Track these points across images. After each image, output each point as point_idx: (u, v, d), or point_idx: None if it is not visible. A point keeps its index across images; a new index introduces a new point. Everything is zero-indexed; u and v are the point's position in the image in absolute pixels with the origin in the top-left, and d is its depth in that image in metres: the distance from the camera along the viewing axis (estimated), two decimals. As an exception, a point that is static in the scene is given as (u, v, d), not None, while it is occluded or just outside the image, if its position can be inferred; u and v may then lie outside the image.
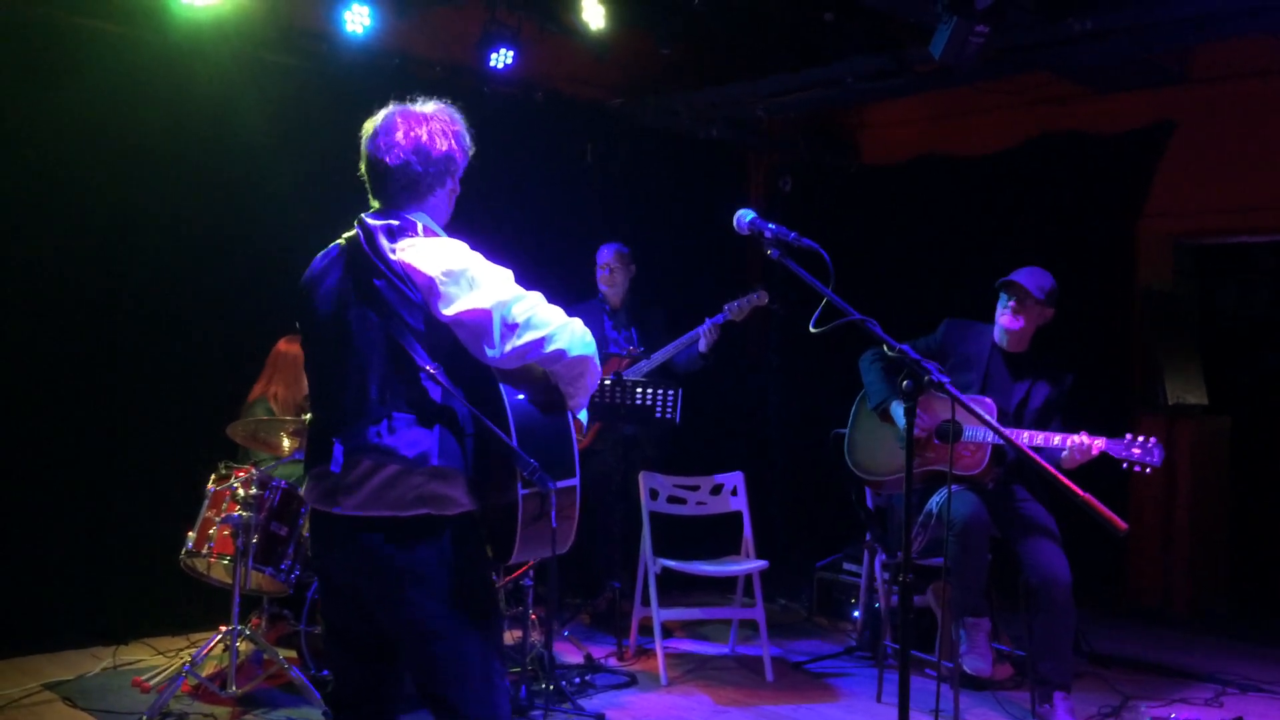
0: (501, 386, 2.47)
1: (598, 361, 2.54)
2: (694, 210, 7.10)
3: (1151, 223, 6.52)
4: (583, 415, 2.67)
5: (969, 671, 4.51)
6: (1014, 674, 4.97)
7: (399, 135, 2.56)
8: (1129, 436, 4.07)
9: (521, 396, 2.49)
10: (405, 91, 6.54)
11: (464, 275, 2.41)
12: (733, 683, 4.97)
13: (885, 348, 2.62)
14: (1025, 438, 4.25)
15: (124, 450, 5.16)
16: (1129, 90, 6.44)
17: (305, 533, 4.41)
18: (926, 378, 2.61)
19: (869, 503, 5.17)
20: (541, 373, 2.54)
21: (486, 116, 6.08)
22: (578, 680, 4.73)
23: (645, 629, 5.21)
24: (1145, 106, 6.47)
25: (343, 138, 5.56)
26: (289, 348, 4.96)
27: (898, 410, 4.64)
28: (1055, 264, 6.53)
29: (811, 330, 2.65)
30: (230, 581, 4.24)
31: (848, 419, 4.97)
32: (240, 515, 4.19)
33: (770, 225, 2.74)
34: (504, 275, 2.46)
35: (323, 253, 2.64)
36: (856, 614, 5.69)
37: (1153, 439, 4.05)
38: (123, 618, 5.08)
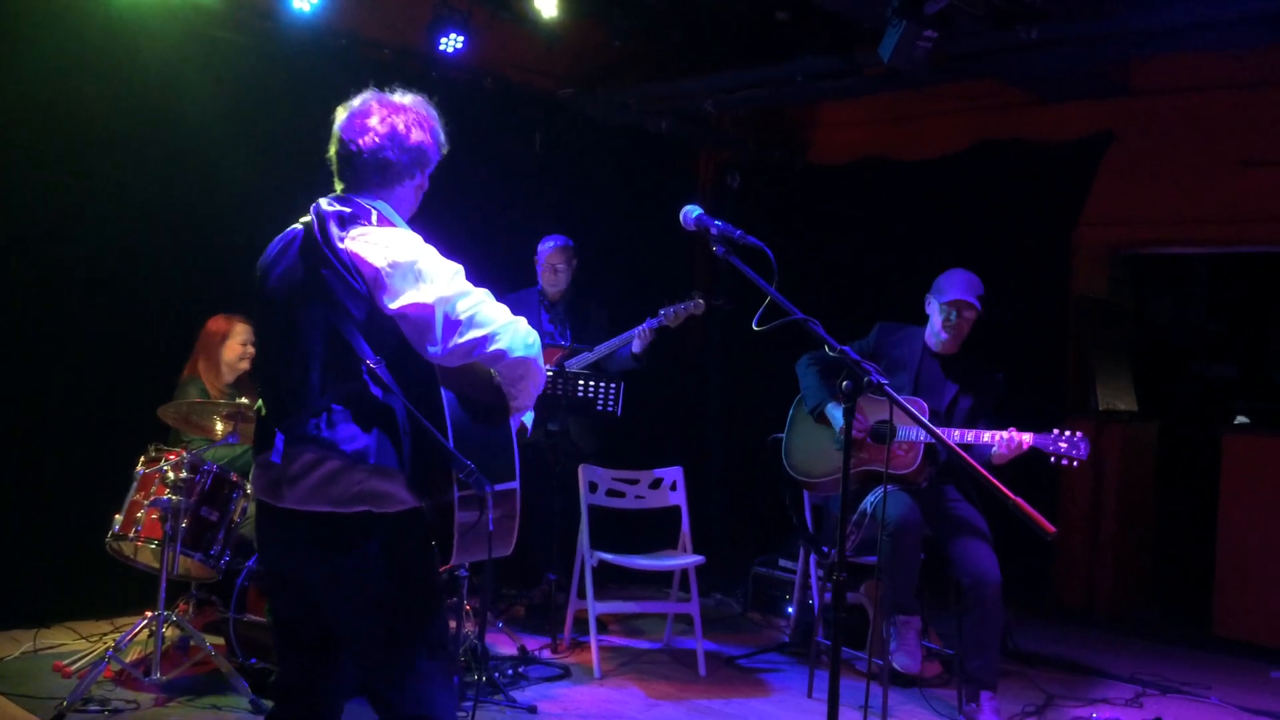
0: (442, 386, 2.42)
1: (541, 363, 2.50)
2: (641, 204, 7.09)
3: (1089, 231, 6.65)
4: (527, 418, 2.63)
5: (898, 669, 4.57)
6: (942, 672, 5.05)
7: (374, 120, 2.52)
8: (1056, 431, 4.18)
9: (464, 396, 2.45)
10: (352, 72, 6.46)
11: (411, 268, 2.36)
12: (666, 677, 4.99)
13: (826, 348, 2.64)
14: (956, 436, 4.33)
15: (51, 429, 5.03)
16: (1072, 100, 6.55)
17: (236, 518, 4.34)
18: (866, 379, 2.63)
19: (806, 503, 5.22)
20: (486, 373, 2.50)
21: (434, 102, 6.04)
22: (511, 672, 4.71)
23: (580, 622, 5.21)
24: (1087, 116, 6.59)
25: (289, 116, 5.56)
26: (214, 326, 4.89)
27: (834, 412, 4.70)
28: (993, 269, 6.65)
29: (755, 328, 2.65)
30: (157, 566, 4.16)
31: (785, 423, 5.02)
32: (169, 499, 4.11)
33: (716, 222, 2.74)
34: (452, 271, 2.41)
35: (277, 238, 2.59)
36: (790, 610, 5.74)
37: (1079, 433, 4.16)
38: (45, 600, 4.96)
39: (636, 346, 5.35)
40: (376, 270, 2.36)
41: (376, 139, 2.50)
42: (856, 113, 7.49)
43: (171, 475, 4.16)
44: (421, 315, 2.35)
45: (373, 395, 2.38)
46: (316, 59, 5.56)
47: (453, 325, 2.35)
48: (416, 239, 2.46)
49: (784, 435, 5.00)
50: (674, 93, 6.80)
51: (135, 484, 4.29)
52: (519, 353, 2.41)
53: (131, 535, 4.20)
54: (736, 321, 7.30)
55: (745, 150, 7.67)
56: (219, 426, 4.43)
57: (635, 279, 6.83)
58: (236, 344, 4.90)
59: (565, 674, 4.87)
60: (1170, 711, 4.73)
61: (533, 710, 4.34)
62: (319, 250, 2.41)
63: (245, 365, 4.97)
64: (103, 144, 5.06)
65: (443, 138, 2.62)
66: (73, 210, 5.03)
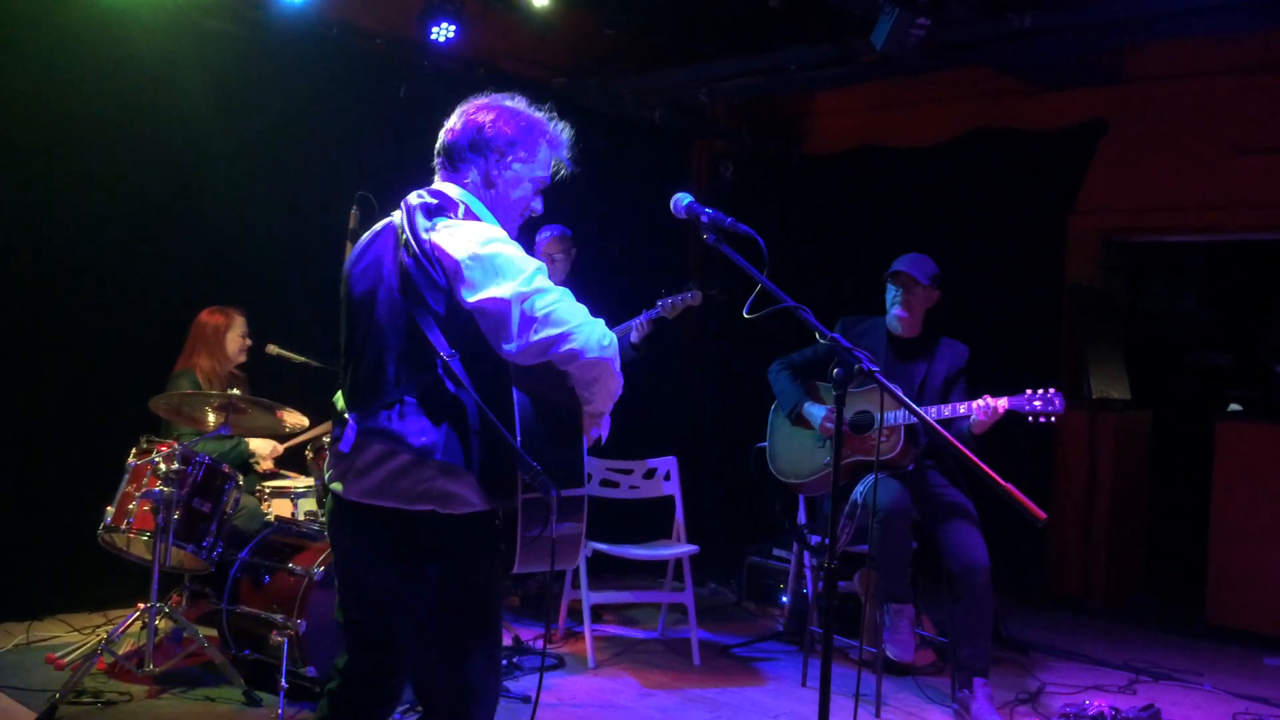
0: (518, 385, 2.36)
1: (617, 366, 2.42)
2: (635, 194, 7.05)
3: (1082, 219, 6.65)
4: (608, 421, 2.55)
5: (891, 657, 4.57)
6: (935, 660, 5.07)
7: (465, 110, 2.57)
8: (1029, 391, 4.18)
9: (538, 397, 2.38)
10: (344, 62, 6.42)
11: (491, 262, 2.33)
12: (660, 666, 4.99)
13: (818, 335, 2.63)
14: (934, 412, 4.35)
15: (43, 421, 5.02)
16: (1065, 88, 6.55)
17: (229, 510, 4.33)
18: (857, 366, 2.62)
19: (801, 501, 5.22)
20: (561, 374, 2.43)
21: (426, 91, 6.01)
22: (505, 662, 4.71)
23: (575, 612, 5.21)
24: (1080, 104, 6.58)
25: (280, 107, 5.52)
26: (211, 319, 4.87)
27: (811, 410, 4.76)
28: (988, 257, 6.68)
29: (745, 316, 2.64)
30: (150, 558, 4.15)
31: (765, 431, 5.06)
32: (161, 490, 4.10)
33: (707, 210, 2.73)
34: (533, 267, 2.35)
35: (366, 234, 2.59)
36: (785, 599, 5.75)
37: (1052, 390, 4.16)
38: (37, 593, 4.95)
39: (635, 337, 5.33)
40: (457, 263, 2.33)
41: (456, 131, 2.55)
42: (851, 102, 7.47)
43: (163, 467, 4.15)
44: (499, 310, 2.30)
45: (445, 389, 2.34)
46: (308, 49, 5.53)
47: (528, 322, 2.30)
48: (501, 234, 2.43)
49: (766, 443, 5.02)
50: (667, 82, 6.77)
51: (127, 476, 4.27)
52: (593, 354, 2.33)
53: (123, 527, 4.19)
54: (731, 311, 7.31)
55: (739, 140, 7.64)
56: (211, 418, 4.42)
57: (629, 269, 6.81)
58: (237, 335, 4.90)
59: (560, 664, 4.88)
60: (1164, 698, 4.73)
61: (527, 700, 4.34)
62: (404, 241, 2.41)
63: (244, 358, 4.96)
64: (92, 135, 5.04)
65: (544, 138, 2.58)
66: (62, 202, 5.01)
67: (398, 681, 2.60)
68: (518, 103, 2.60)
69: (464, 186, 2.54)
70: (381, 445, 2.35)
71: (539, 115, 2.61)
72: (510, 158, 2.55)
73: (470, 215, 2.47)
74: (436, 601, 2.38)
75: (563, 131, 2.64)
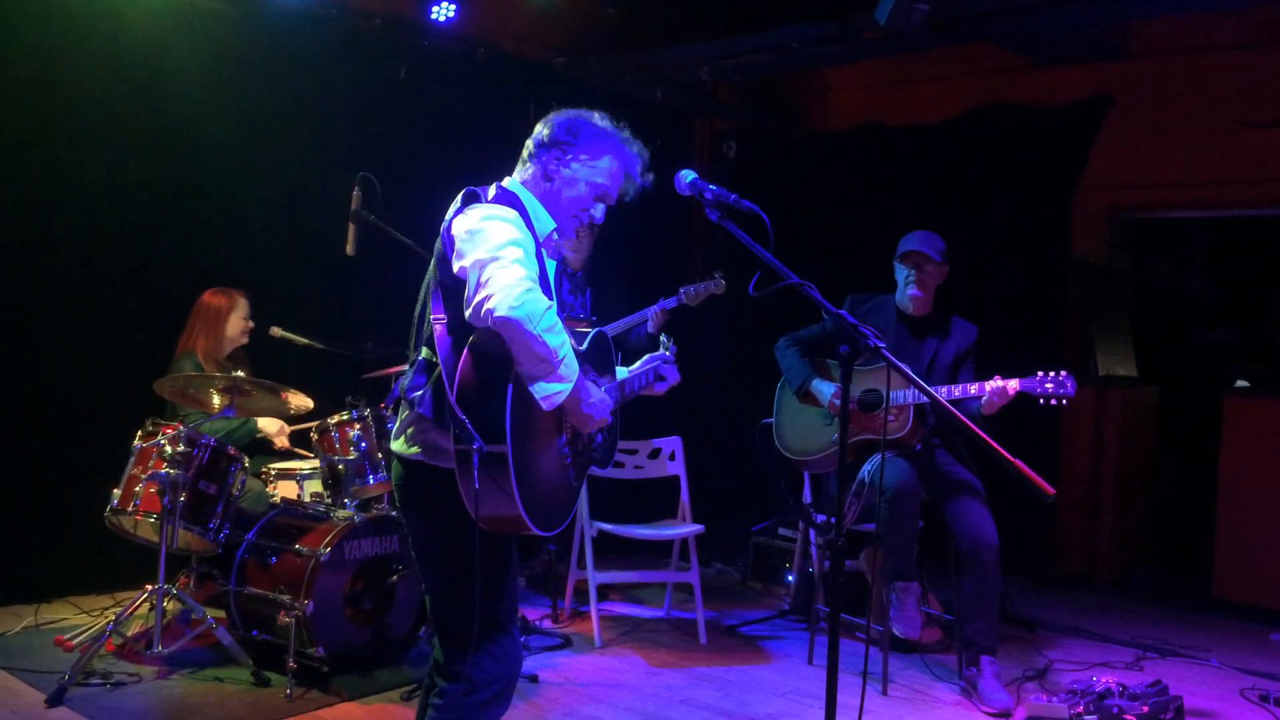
0: (477, 346, 2.49)
1: (532, 330, 2.38)
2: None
3: (1088, 195, 6.61)
4: (551, 389, 2.46)
5: (898, 635, 4.57)
6: (942, 637, 5.07)
7: (551, 117, 2.74)
8: (1041, 373, 4.17)
9: (491, 356, 2.48)
10: (343, 43, 6.35)
11: (479, 234, 2.49)
12: (666, 645, 5.00)
13: (823, 312, 2.62)
14: (944, 393, 4.33)
15: (49, 404, 5.01)
16: (1070, 64, 6.50)
17: (235, 491, 4.33)
18: (864, 343, 2.61)
19: (805, 476, 5.21)
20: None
21: (427, 71, 5.97)
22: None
23: (581, 592, 5.22)
24: (1085, 80, 6.54)
25: (280, 87, 5.49)
26: (213, 300, 4.85)
27: (820, 387, 4.74)
28: (993, 234, 6.65)
29: (751, 294, 2.63)
30: (157, 540, 4.16)
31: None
32: (167, 473, 4.10)
33: (711, 186, 2.71)
34: (506, 238, 2.48)
35: None
36: (790, 578, 5.75)
37: (1064, 372, 4.15)
38: (45, 575, 4.97)
39: (652, 327, 5.29)
40: (454, 237, 2.54)
41: (536, 136, 2.74)
42: (855, 79, 7.43)
43: (169, 449, 4.15)
44: (465, 276, 2.48)
45: (436, 348, 2.55)
46: (306, 29, 5.49)
47: (477, 286, 2.44)
48: (507, 215, 2.56)
49: (773, 419, 5.02)
50: (669, 61, 6.73)
51: (133, 458, 4.28)
52: (501, 312, 2.37)
53: (130, 509, 4.20)
54: (737, 290, 7.26)
55: (742, 118, 7.60)
56: (215, 400, 4.42)
57: (632, 250, 6.77)
58: (239, 318, 4.88)
59: (566, 643, 4.89)
60: (1170, 674, 4.73)
61: (534, 680, 4.35)
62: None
63: (246, 340, 4.94)
64: (88, 118, 5.01)
65: (613, 152, 2.72)
66: (62, 186, 4.99)
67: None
68: (601, 120, 2.76)
69: (524, 182, 2.73)
70: (405, 399, 2.61)
71: (616, 132, 2.76)
72: (570, 156, 2.70)
73: (498, 200, 2.61)
74: (423, 549, 2.64)
75: (638, 153, 2.79)
